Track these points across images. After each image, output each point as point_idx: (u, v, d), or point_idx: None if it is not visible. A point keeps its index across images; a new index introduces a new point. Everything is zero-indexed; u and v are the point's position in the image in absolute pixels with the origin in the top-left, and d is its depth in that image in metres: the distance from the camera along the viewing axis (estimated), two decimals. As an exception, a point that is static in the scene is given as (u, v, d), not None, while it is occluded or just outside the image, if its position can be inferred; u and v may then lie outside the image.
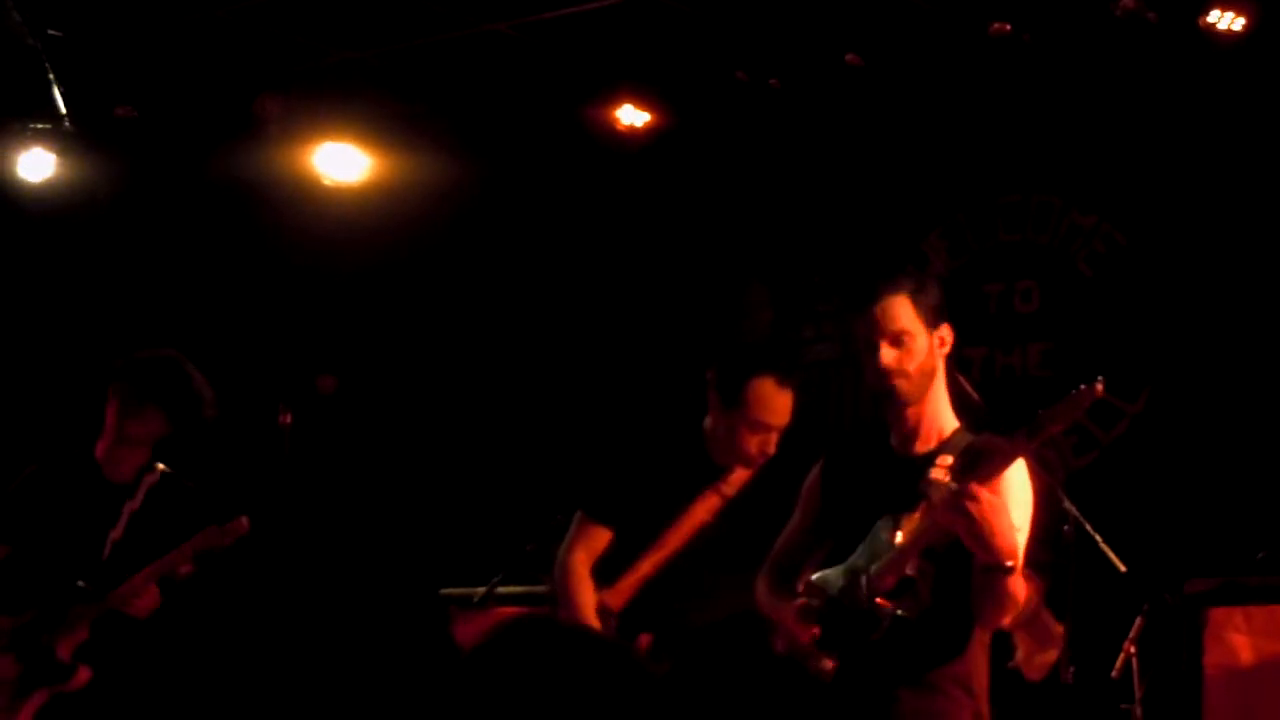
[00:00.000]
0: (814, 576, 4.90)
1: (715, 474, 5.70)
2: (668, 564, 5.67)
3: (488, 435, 8.81)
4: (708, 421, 5.71)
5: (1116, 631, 6.28)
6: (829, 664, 4.78)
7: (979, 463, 4.50)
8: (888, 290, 4.78)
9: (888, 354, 4.74)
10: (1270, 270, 7.47)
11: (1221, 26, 7.17)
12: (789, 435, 5.66)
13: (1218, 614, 6.79)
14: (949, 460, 4.62)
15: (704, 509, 5.71)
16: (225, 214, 9.16)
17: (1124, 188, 7.85)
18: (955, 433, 4.82)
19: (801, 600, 4.88)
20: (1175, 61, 7.45)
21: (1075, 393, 4.44)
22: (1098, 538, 5.75)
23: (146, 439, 6.34)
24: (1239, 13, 7.15)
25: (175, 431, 6.34)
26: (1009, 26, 7.46)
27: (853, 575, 4.76)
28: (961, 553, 4.56)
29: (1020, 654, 6.35)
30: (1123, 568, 5.74)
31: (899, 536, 4.66)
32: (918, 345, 4.75)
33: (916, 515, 4.63)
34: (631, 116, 8.24)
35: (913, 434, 4.82)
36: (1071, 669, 6.03)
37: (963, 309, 7.97)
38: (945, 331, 4.82)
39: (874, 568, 4.70)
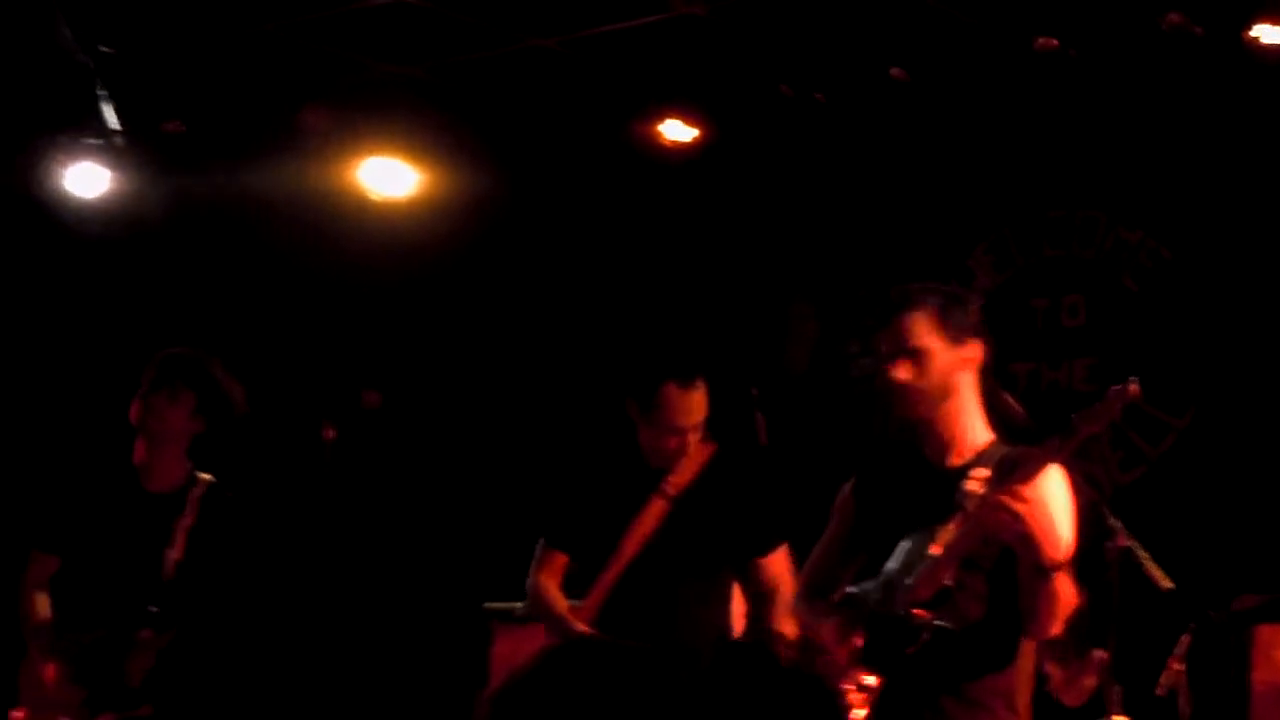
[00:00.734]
0: (849, 590, 4.90)
1: (656, 480, 5.94)
2: (626, 572, 5.89)
3: (531, 449, 8.81)
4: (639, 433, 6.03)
5: (1162, 649, 6.26)
6: (873, 680, 4.78)
7: (1017, 468, 4.52)
8: (911, 306, 4.79)
9: (903, 369, 4.76)
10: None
11: (1267, 40, 7.14)
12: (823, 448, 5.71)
13: (1265, 631, 6.76)
14: (984, 473, 4.62)
15: (652, 516, 5.92)
16: (272, 228, 9.20)
17: (1169, 203, 7.83)
18: (990, 445, 4.82)
19: (838, 616, 4.87)
20: (1221, 76, 7.42)
21: (1109, 394, 4.45)
22: (1144, 554, 5.72)
23: (180, 434, 6.24)
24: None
25: (208, 426, 6.27)
26: (1054, 41, 7.45)
27: (888, 588, 4.76)
28: (1008, 563, 4.56)
29: (1057, 679, 6.33)
30: (1169, 584, 5.71)
31: (935, 547, 4.66)
32: (935, 363, 4.75)
33: (952, 526, 4.63)
34: (677, 132, 8.25)
35: (945, 447, 4.82)
36: (1118, 688, 6.00)
37: (1009, 324, 8.03)
38: (973, 348, 4.80)
39: (909, 579, 4.69)
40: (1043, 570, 4.49)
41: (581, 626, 5.84)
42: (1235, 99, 7.55)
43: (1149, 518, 6.45)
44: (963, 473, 4.71)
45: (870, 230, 8.48)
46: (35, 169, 8.81)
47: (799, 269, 8.67)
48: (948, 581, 4.64)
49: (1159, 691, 6.21)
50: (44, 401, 9.30)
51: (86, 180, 8.81)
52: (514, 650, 7.26)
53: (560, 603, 5.98)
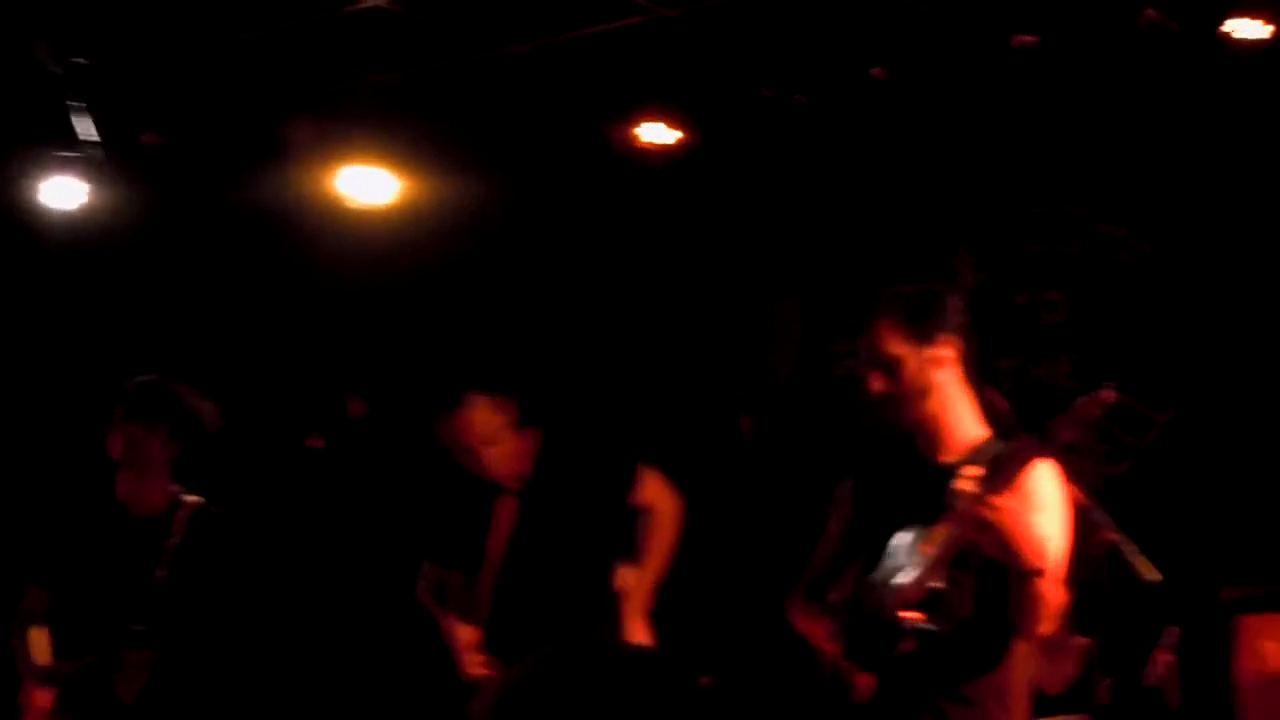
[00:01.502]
0: (848, 593, 4.91)
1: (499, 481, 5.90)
2: (499, 575, 5.86)
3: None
4: None
5: (1150, 641, 6.27)
6: (864, 680, 4.78)
7: (999, 472, 4.53)
8: (875, 317, 4.82)
9: (875, 380, 4.80)
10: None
11: (1241, 35, 7.16)
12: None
13: (1251, 622, 6.79)
14: (974, 471, 4.63)
15: (506, 513, 5.89)
16: (252, 238, 9.18)
17: (1150, 198, 7.84)
18: (984, 442, 4.83)
19: (830, 619, 4.88)
20: (1198, 71, 7.45)
21: (1085, 399, 4.48)
22: (1130, 547, 5.73)
23: (159, 463, 6.36)
24: (1263, 20, 7.15)
25: (184, 449, 6.36)
26: (1033, 39, 7.46)
27: (880, 589, 4.76)
28: (998, 563, 4.56)
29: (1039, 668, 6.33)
30: (1157, 576, 5.71)
31: (925, 548, 4.66)
32: (907, 368, 4.78)
33: (942, 526, 4.63)
34: (657, 134, 8.25)
35: (936, 445, 4.84)
36: (1107, 680, 6.01)
37: (991, 321, 8.04)
38: (943, 346, 4.81)
39: (899, 580, 4.69)
40: (1023, 575, 4.50)
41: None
42: (1212, 94, 7.57)
43: (1135, 511, 6.45)
44: (954, 470, 4.72)
45: (853, 230, 8.49)
46: (10, 182, 8.77)
47: (783, 270, 8.67)
48: (937, 584, 4.65)
49: (1147, 683, 6.22)
50: (21, 420, 9.26)
51: (62, 193, 8.78)
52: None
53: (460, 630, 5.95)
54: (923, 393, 4.79)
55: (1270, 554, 7.11)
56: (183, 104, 8.70)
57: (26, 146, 8.72)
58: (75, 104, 8.28)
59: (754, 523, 7.98)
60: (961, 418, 4.85)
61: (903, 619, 4.66)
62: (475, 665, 5.82)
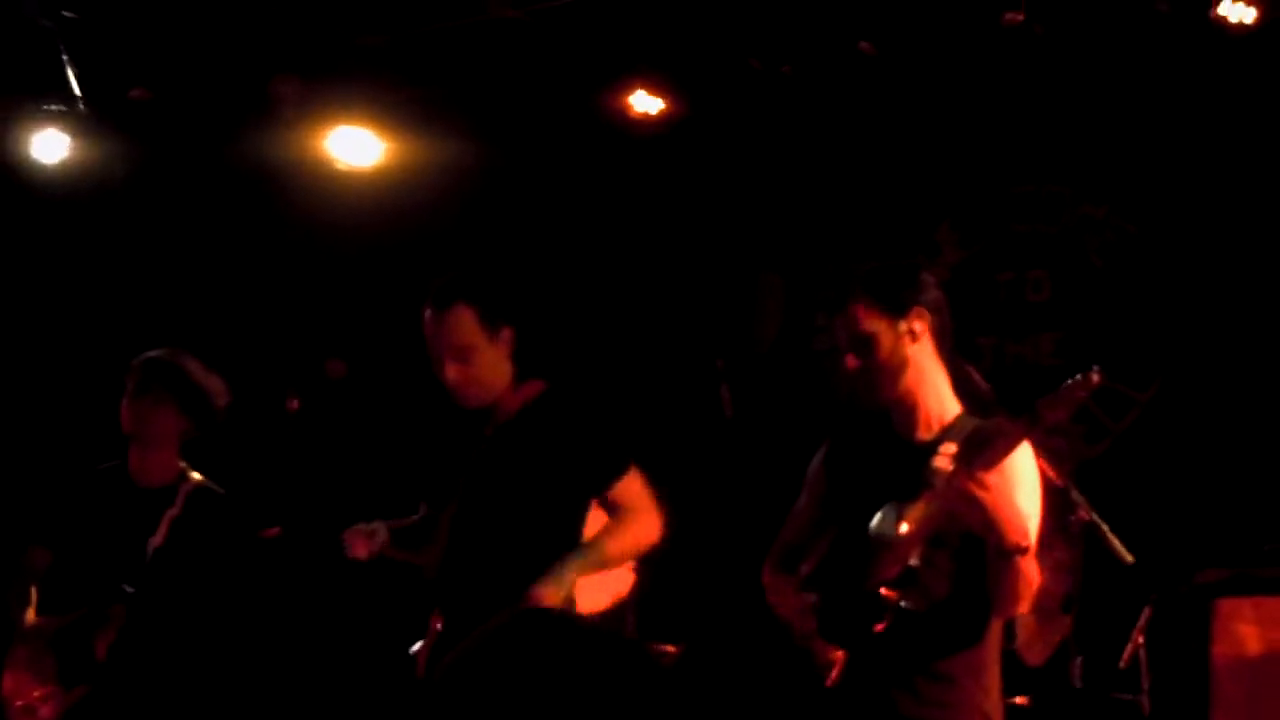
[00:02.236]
0: (817, 566, 4.92)
1: (485, 421, 5.55)
2: (455, 514, 5.53)
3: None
4: None
5: (1125, 622, 6.29)
6: (836, 655, 4.79)
7: (983, 449, 4.54)
8: (847, 294, 4.83)
9: (851, 358, 4.81)
10: (1280, 261, 7.48)
11: (1233, 19, 7.16)
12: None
13: (1226, 605, 6.81)
14: (953, 449, 4.65)
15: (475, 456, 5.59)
16: (238, 197, 9.17)
17: (1135, 178, 7.86)
18: (958, 418, 4.84)
19: (804, 593, 4.89)
20: (1186, 52, 7.45)
21: (1072, 382, 4.49)
22: (1105, 527, 5.75)
23: (167, 438, 6.45)
24: (1250, 3, 7.15)
25: (193, 425, 6.46)
26: (1021, 16, 7.45)
27: (855, 564, 4.77)
28: (975, 542, 4.57)
29: (1021, 638, 6.36)
30: (1130, 558, 5.73)
31: (903, 526, 4.67)
32: (881, 343, 4.78)
33: (920, 504, 4.65)
34: (644, 103, 8.23)
35: (912, 421, 4.84)
36: (1079, 659, 6.04)
37: (974, 298, 8.05)
38: (915, 319, 4.81)
39: (876, 557, 4.71)
40: (1005, 554, 4.51)
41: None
42: (1201, 75, 7.57)
43: (1112, 491, 6.48)
44: (932, 448, 4.74)
45: (837, 204, 8.49)
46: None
47: (766, 242, 8.67)
48: (914, 561, 4.66)
49: (1122, 664, 6.25)
50: (18, 382, 9.26)
51: (50, 147, 8.77)
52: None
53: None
54: (898, 369, 4.80)
55: (1247, 537, 7.13)
56: (172, 60, 8.68)
57: (15, 100, 8.70)
58: (64, 58, 8.27)
59: (732, 494, 7.98)
60: (936, 394, 4.86)
61: (880, 596, 4.68)
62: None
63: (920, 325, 4.80)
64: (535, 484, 5.39)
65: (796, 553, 5.06)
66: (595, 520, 5.61)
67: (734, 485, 7.96)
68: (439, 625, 5.38)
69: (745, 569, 5.66)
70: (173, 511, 6.29)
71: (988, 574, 4.59)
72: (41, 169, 8.88)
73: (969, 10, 7.51)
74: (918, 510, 4.65)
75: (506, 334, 5.47)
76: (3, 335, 9.33)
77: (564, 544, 5.40)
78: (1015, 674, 5.85)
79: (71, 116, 8.70)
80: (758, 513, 7.17)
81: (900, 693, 4.74)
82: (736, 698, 7.19)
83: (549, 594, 5.19)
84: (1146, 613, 6.23)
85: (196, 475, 6.47)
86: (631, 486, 5.48)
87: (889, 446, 4.86)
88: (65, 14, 7.99)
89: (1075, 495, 5.68)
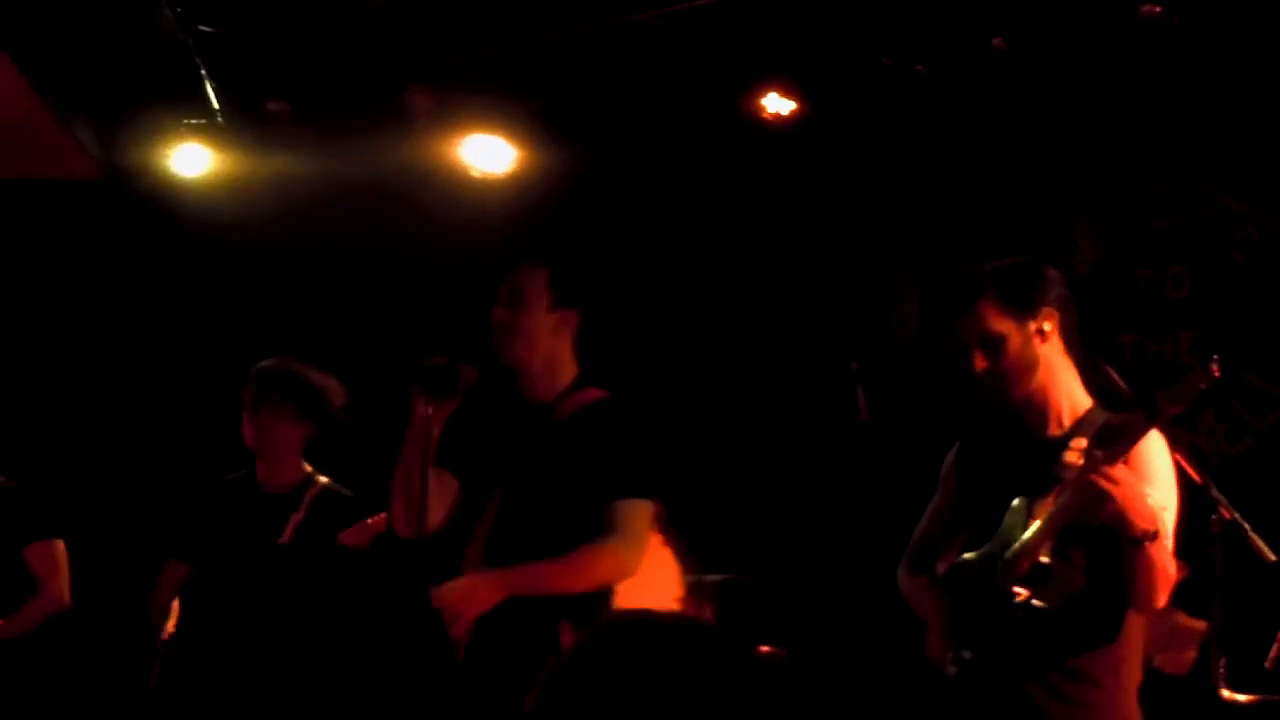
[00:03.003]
0: (952, 564, 4.90)
1: (542, 417, 5.31)
2: (498, 509, 5.30)
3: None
4: None
5: (1269, 622, 6.19)
6: (965, 654, 4.77)
7: (1111, 442, 4.53)
8: (970, 295, 4.81)
9: (979, 359, 4.79)
10: None
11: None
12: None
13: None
14: (1083, 443, 4.64)
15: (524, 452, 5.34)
16: (373, 206, 9.23)
17: (1278, 173, 7.72)
18: (1089, 412, 4.83)
19: (938, 590, 4.88)
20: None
21: (1191, 374, 4.48)
22: (1247, 526, 5.67)
23: (289, 444, 6.54)
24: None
25: (313, 426, 6.52)
26: (1159, 9, 7.35)
27: (988, 561, 4.76)
28: (1110, 535, 4.54)
29: (1158, 658, 6.29)
30: (1273, 557, 5.65)
31: (1034, 522, 4.66)
32: (1011, 343, 4.78)
33: (1050, 499, 4.63)
34: (777, 105, 8.21)
35: (1043, 417, 4.84)
36: (1224, 661, 5.94)
37: (1113, 295, 7.96)
38: (1045, 318, 4.80)
39: (1009, 553, 4.68)
40: (1134, 541, 4.48)
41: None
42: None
43: (1255, 490, 6.39)
44: (1063, 443, 4.73)
45: (973, 202, 8.41)
46: (139, 150, 8.89)
47: (901, 242, 8.62)
48: (1045, 558, 4.64)
49: (1268, 665, 6.15)
50: (152, 391, 9.39)
51: (189, 161, 8.89)
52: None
53: None
54: (1029, 368, 4.79)
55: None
56: (307, 72, 8.77)
57: (155, 115, 8.82)
58: (201, 72, 8.37)
59: (867, 496, 7.94)
60: (1067, 390, 4.86)
61: (1012, 594, 4.66)
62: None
63: (1050, 324, 4.79)
64: (569, 489, 5.13)
65: (930, 552, 5.05)
66: (654, 558, 5.54)
67: (869, 487, 7.92)
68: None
69: (881, 570, 5.64)
70: (297, 515, 6.38)
71: (1122, 566, 4.56)
72: (182, 183, 9.00)
73: (1105, 3, 7.42)
74: (1047, 505, 4.64)
75: (570, 316, 5.31)
76: (143, 345, 9.46)
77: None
78: (1155, 682, 5.78)
79: (210, 130, 8.80)
80: (893, 514, 7.14)
81: (1036, 689, 4.71)
82: (860, 700, 7.16)
83: (491, 587, 4.98)
84: (1291, 614, 6.12)
85: (323, 478, 6.55)
86: (632, 513, 5.12)
87: (1020, 444, 4.84)
88: (202, 28, 8.08)
89: (1216, 494, 5.62)
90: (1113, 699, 4.72)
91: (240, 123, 8.79)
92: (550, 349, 5.31)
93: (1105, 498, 4.44)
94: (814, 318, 8.66)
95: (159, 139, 8.82)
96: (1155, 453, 4.68)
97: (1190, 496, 5.14)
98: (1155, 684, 5.44)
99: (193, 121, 8.76)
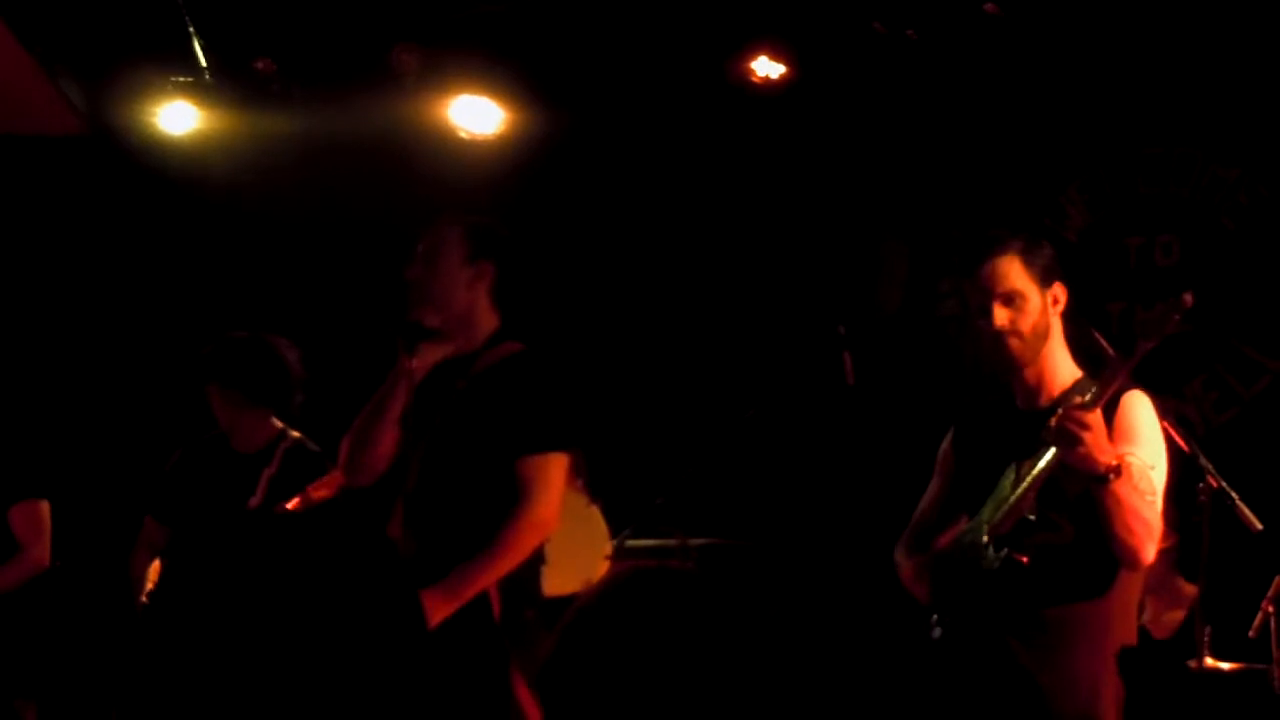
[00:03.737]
0: (945, 543, 4.93)
1: (463, 370, 5.35)
2: (420, 463, 5.36)
3: (620, 388, 8.76)
4: None
5: (1254, 591, 6.20)
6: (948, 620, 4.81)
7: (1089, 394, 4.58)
8: (997, 251, 4.80)
9: (1001, 315, 4.78)
10: None
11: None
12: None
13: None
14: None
15: (444, 406, 5.41)
16: (360, 166, 9.19)
17: (1268, 140, 7.70)
18: (1078, 381, 4.85)
19: (931, 571, 4.92)
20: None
21: (1164, 304, 4.53)
22: (1234, 495, 5.67)
23: (252, 419, 6.58)
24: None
25: (272, 401, 6.56)
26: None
27: (976, 525, 4.79)
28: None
29: (1148, 613, 6.30)
30: (1260, 526, 5.65)
31: (1019, 481, 4.69)
32: (1031, 305, 4.78)
33: (1034, 458, 4.66)
34: (767, 68, 8.17)
35: (1035, 391, 4.88)
36: (1208, 629, 5.95)
37: (1102, 262, 7.94)
38: (1058, 290, 4.84)
39: (996, 514, 4.72)
40: (1099, 479, 4.49)
41: None
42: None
43: (1242, 459, 6.39)
44: (1052, 410, 4.74)
45: (962, 168, 8.39)
46: (126, 107, 8.85)
47: (890, 207, 8.59)
48: (1028, 514, 4.67)
49: (1252, 634, 6.16)
50: (136, 349, 9.36)
51: (176, 118, 8.85)
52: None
53: None
54: (1043, 335, 4.81)
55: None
56: (295, 31, 8.72)
57: (143, 71, 8.78)
58: (189, 30, 8.33)
59: (854, 461, 7.94)
60: (1062, 362, 4.91)
61: (994, 550, 4.70)
62: None
63: (1061, 297, 4.83)
64: (481, 446, 5.17)
65: (929, 534, 5.07)
66: (579, 516, 5.54)
67: (855, 452, 7.92)
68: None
69: (868, 535, 5.64)
70: (270, 470, 6.41)
71: (1099, 516, 4.58)
72: (169, 140, 8.96)
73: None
74: (1031, 464, 4.66)
75: (486, 268, 5.34)
76: (127, 303, 9.43)
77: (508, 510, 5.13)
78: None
79: (197, 88, 8.76)
80: (879, 479, 7.14)
81: (1016, 644, 4.74)
82: (850, 666, 7.17)
83: (438, 606, 4.91)
84: (1277, 582, 6.13)
85: (295, 434, 6.56)
86: (543, 468, 5.15)
87: (1013, 420, 4.86)
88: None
89: (1204, 462, 5.62)
90: (1091, 655, 4.74)
91: (227, 81, 8.74)
92: (467, 305, 5.33)
93: (1075, 440, 4.46)
94: (802, 282, 8.64)
95: (146, 96, 8.76)
96: (1141, 413, 4.71)
97: (1178, 465, 5.14)
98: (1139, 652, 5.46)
99: (180, 79, 8.71)
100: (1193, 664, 5.85)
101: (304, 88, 8.81)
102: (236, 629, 2.17)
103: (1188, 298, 4.52)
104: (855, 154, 8.63)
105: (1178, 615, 6.53)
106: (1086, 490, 4.58)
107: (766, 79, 8.15)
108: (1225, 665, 6.01)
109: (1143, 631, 5.93)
